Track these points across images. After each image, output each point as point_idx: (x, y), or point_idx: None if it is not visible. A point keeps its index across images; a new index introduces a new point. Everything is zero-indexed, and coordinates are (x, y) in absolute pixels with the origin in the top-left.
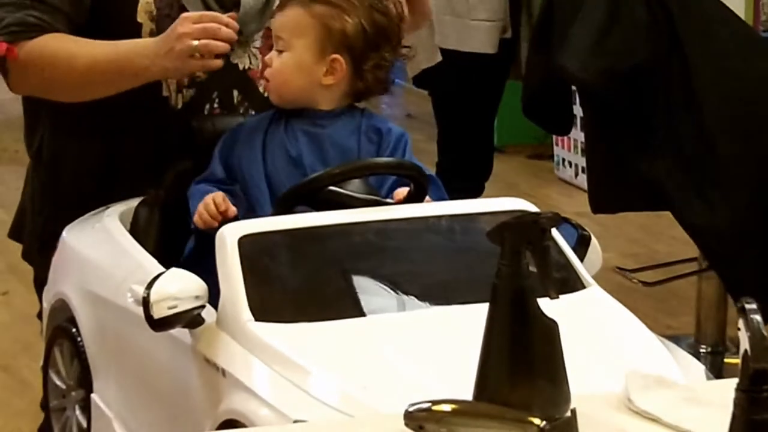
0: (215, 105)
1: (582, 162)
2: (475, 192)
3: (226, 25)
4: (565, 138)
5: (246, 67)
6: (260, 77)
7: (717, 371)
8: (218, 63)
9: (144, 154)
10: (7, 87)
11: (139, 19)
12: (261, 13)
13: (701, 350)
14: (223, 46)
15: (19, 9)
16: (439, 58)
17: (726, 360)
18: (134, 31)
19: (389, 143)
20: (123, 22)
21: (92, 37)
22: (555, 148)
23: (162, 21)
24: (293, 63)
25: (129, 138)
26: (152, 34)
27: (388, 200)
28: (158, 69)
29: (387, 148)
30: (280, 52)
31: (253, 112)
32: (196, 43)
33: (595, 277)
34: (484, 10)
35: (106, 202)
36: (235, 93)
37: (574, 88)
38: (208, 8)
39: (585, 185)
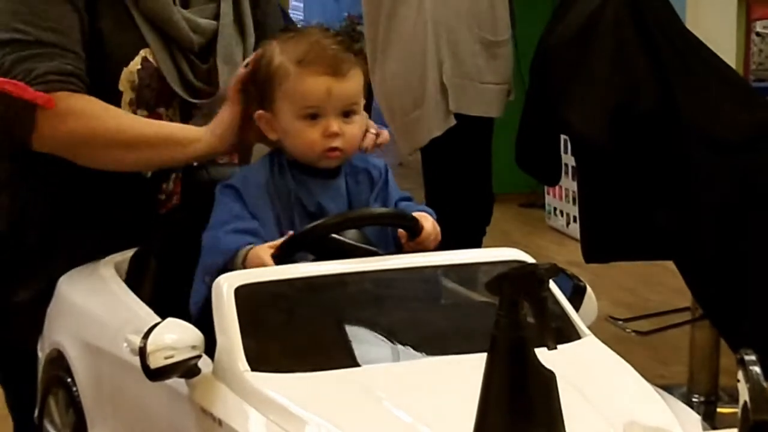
0: (180, 174)
1: (573, 211)
2: (476, 238)
3: None
4: (557, 187)
5: None
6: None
7: (710, 421)
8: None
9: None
10: (25, 142)
11: (120, 87)
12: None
13: (694, 399)
14: None
15: (53, 58)
16: (452, 122)
17: (719, 410)
18: (115, 99)
19: (378, 181)
20: (104, 90)
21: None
22: (546, 197)
23: (142, 90)
24: (362, 124)
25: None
26: (131, 103)
27: (383, 251)
28: (205, 145)
29: (376, 189)
30: (348, 116)
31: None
32: None
33: (588, 327)
34: (492, 73)
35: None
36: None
37: (564, 137)
38: (185, 82)
39: (577, 234)
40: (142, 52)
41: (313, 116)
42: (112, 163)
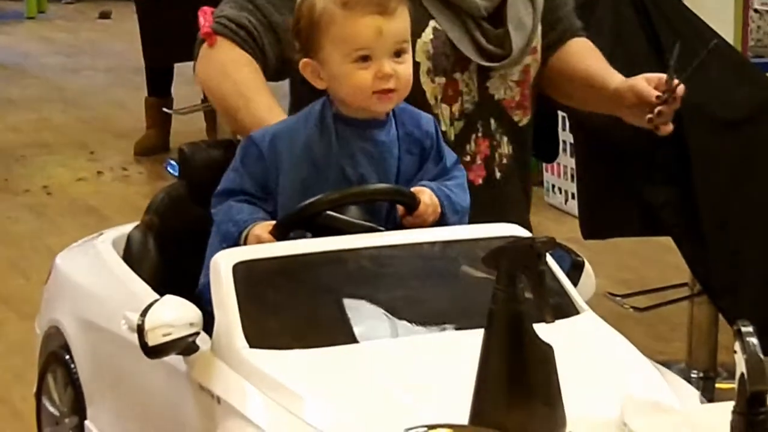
0: (479, 134)
1: (572, 188)
2: None
3: None
4: (555, 164)
5: (501, 97)
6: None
7: (709, 397)
8: None
9: None
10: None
11: (416, 59)
12: (523, 51)
13: (693, 375)
14: None
15: (241, 9)
16: None
17: (718, 385)
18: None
19: (430, 151)
20: None
21: None
22: (545, 174)
23: (438, 59)
24: (410, 63)
25: None
26: (429, 72)
27: (382, 227)
28: None
29: (429, 158)
30: (399, 55)
31: (506, 139)
32: None
33: (587, 302)
34: None
35: None
36: (492, 121)
37: (562, 114)
38: (478, 47)
39: (575, 211)
40: (432, 23)
41: (365, 58)
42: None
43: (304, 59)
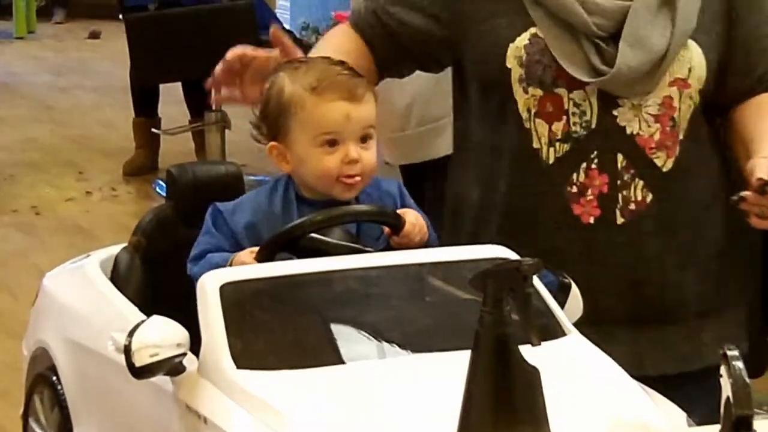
0: (593, 165)
1: None
2: None
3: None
4: None
5: (634, 132)
6: (357, 179)
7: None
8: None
9: (514, 205)
10: None
11: (508, 64)
12: (651, 74)
13: None
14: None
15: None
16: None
17: None
18: (503, 77)
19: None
20: (492, 66)
21: (461, 73)
22: None
23: (531, 67)
24: (374, 150)
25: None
26: (521, 80)
27: (368, 249)
28: None
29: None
30: (365, 141)
31: (641, 183)
32: None
33: (573, 324)
34: None
35: None
36: (620, 157)
37: None
38: (581, 62)
39: None
40: (532, 30)
41: (332, 143)
42: None
43: (271, 143)
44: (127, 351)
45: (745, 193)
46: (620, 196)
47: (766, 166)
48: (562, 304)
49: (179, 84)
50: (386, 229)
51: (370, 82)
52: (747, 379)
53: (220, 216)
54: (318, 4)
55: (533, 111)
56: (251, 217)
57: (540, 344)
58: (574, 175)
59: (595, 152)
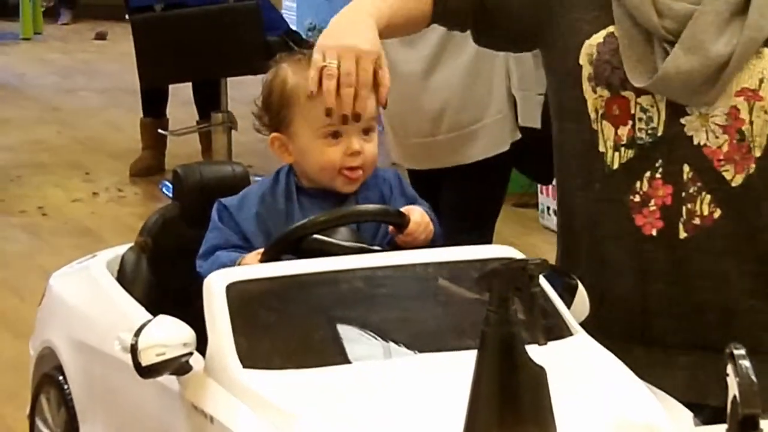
0: (657, 174)
1: None
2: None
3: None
4: (550, 186)
5: (701, 142)
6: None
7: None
8: None
9: (583, 211)
10: None
11: (580, 61)
12: (711, 82)
13: None
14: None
15: None
16: (517, 136)
17: None
18: (575, 73)
19: (390, 195)
20: (567, 60)
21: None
22: (540, 196)
23: (600, 66)
24: (376, 142)
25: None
26: (590, 78)
27: (374, 247)
28: None
29: (389, 200)
30: (367, 133)
31: (708, 197)
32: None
33: (580, 324)
34: (541, 84)
35: None
36: (686, 168)
37: None
38: (654, 69)
39: None
40: (610, 28)
41: (335, 135)
42: None
43: (274, 134)
44: (134, 350)
45: None
46: (684, 209)
47: None
48: (568, 305)
49: (185, 85)
50: (391, 228)
51: (417, 25)
52: (754, 378)
53: (225, 211)
54: (325, 5)
55: (600, 112)
56: (257, 208)
57: (546, 344)
58: (638, 184)
59: (660, 161)
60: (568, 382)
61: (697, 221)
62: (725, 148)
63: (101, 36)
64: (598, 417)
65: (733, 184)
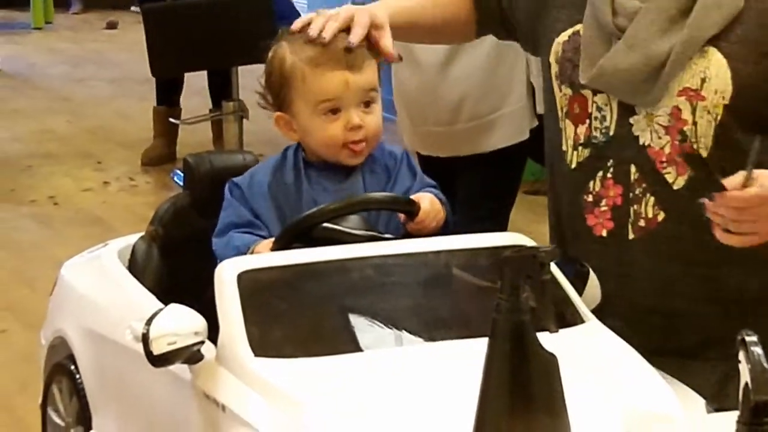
0: (608, 174)
1: None
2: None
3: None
4: None
5: (646, 143)
6: (355, 143)
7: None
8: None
9: (552, 208)
10: None
11: (550, 59)
12: (653, 80)
13: None
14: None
15: None
16: (535, 123)
17: None
18: (547, 71)
19: (396, 170)
20: (545, 61)
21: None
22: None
23: (563, 64)
24: (379, 113)
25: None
26: (557, 76)
27: (386, 235)
28: None
29: (395, 175)
30: (368, 105)
31: (651, 199)
32: None
33: (591, 312)
34: None
35: None
36: (633, 168)
37: None
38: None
39: None
40: (578, 26)
41: (334, 111)
42: None
43: (278, 113)
44: (145, 339)
45: (704, 199)
46: (632, 210)
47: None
48: (579, 292)
49: (199, 74)
50: (401, 216)
51: (466, 34)
52: (766, 365)
53: (237, 189)
54: None
55: (564, 111)
56: (269, 179)
57: (557, 331)
58: (591, 183)
59: (611, 161)
60: (579, 370)
61: (642, 223)
62: (667, 150)
63: (112, 25)
64: (610, 404)
65: (675, 187)
